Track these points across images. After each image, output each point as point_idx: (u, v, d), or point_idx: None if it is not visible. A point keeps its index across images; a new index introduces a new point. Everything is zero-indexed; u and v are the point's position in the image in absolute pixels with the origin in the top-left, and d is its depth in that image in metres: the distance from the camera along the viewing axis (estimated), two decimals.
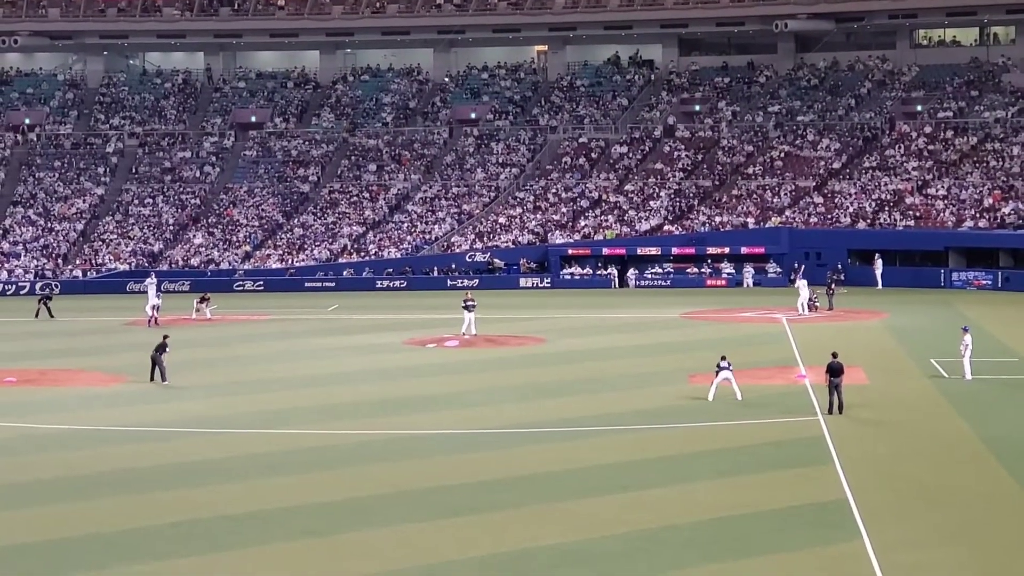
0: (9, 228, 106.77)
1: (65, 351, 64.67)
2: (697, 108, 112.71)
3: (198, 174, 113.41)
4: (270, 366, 58.86)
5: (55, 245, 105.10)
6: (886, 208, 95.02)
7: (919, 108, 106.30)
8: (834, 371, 45.18)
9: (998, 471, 37.32)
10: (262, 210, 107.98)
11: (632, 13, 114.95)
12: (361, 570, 29.30)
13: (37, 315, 79.09)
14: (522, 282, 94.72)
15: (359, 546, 30.93)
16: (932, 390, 50.09)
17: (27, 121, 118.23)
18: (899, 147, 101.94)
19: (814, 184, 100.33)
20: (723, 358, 48.23)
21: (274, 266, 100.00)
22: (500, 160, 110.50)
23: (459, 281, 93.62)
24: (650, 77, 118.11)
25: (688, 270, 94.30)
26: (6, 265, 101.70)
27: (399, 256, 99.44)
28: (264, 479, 37.49)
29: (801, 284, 75.61)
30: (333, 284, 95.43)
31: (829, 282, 79.40)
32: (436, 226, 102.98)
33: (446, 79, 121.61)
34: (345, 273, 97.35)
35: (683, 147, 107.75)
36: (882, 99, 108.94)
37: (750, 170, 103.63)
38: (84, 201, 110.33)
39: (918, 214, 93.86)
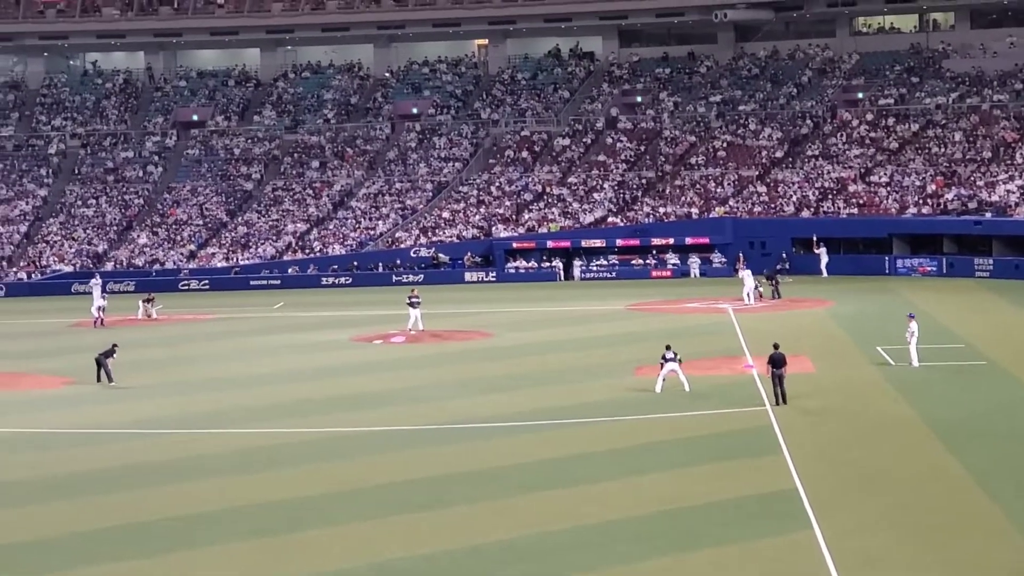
0: None
1: (10, 354, 64.14)
2: (639, 99, 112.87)
3: (141, 174, 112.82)
4: (217, 366, 58.63)
5: None
6: (829, 196, 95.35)
7: (860, 95, 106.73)
8: (776, 362, 45.22)
9: (945, 456, 37.51)
10: (206, 209, 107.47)
11: (571, 5, 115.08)
12: (310, 569, 29.21)
13: None
14: (467, 276, 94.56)
15: (308, 545, 30.82)
16: (879, 377, 50.30)
17: None
18: (841, 135, 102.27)
19: (757, 173, 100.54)
20: (668, 348, 48.26)
21: (219, 265, 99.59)
22: (443, 155, 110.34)
23: (404, 277, 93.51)
24: (590, 69, 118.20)
25: (633, 261, 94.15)
26: None
27: (344, 253, 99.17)
28: (212, 479, 37.31)
29: (745, 274, 75.89)
30: (278, 282, 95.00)
31: (771, 272, 79.53)
32: (380, 222, 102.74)
33: (387, 74, 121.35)
34: (290, 271, 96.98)
35: (625, 138, 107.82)
36: (823, 87, 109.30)
37: (693, 160, 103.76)
38: (27, 203, 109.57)
39: (861, 202, 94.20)
